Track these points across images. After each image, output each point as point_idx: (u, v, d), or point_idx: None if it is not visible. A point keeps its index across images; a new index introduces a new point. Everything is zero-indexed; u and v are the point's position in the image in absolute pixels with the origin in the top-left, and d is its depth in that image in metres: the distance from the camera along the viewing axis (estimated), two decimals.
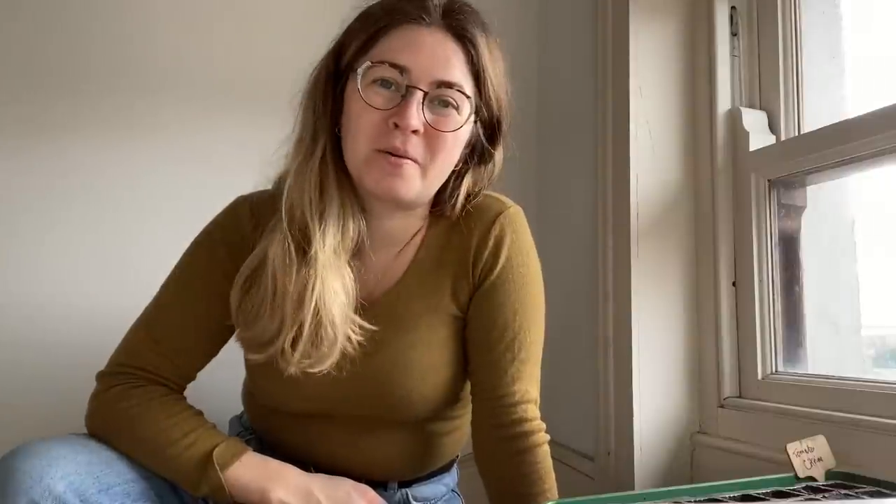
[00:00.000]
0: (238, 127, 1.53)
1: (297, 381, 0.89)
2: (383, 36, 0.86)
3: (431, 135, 0.86)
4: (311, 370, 0.87)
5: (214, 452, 0.86)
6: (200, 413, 0.92)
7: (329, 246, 0.87)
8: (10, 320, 1.39)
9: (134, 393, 0.90)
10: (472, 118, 0.89)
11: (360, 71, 0.85)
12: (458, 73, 0.87)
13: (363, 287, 0.93)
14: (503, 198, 1.00)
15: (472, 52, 0.88)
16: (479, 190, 0.98)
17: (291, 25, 1.58)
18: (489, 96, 0.90)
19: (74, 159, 1.45)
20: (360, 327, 0.89)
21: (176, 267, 0.98)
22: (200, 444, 0.86)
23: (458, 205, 0.95)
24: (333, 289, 0.86)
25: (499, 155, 0.97)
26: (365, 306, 0.91)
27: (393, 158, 0.85)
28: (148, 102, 1.50)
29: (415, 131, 0.84)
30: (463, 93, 0.87)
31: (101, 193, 1.46)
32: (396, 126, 0.84)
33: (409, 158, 0.85)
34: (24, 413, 1.34)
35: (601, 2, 1.41)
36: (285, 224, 0.87)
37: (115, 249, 1.46)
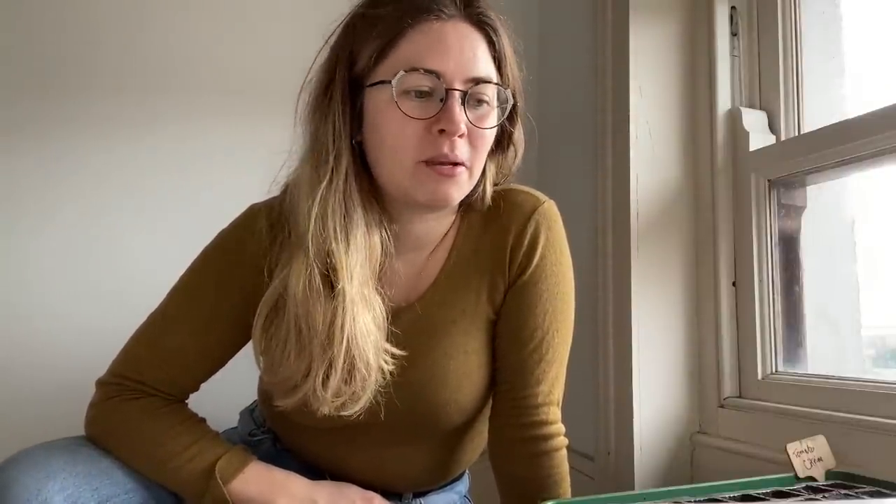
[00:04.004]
0: (241, 127, 1.54)
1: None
2: (402, 38, 0.81)
3: (475, 134, 0.82)
4: (345, 412, 0.83)
5: (217, 466, 0.84)
6: (203, 420, 0.91)
7: (357, 276, 0.82)
8: (9, 321, 1.40)
9: (133, 406, 0.88)
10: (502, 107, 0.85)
11: (394, 82, 0.79)
12: (487, 65, 0.83)
13: (393, 299, 0.89)
14: (535, 192, 0.95)
15: (494, 38, 0.84)
16: (507, 173, 0.94)
17: (295, 24, 1.58)
18: (508, 77, 0.86)
19: (73, 161, 1.45)
20: (393, 356, 0.85)
21: (185, 278, 0.92)
22: (202, 458, 0.85)
23: (488, 195, 0.91)
24: (365, 326, 0.82)
25: (518, 133, 0.92)
26: (396, 318, 0.88)
27: (444, 168, 0.81)
28: (148, 103, 1.50)
29: (461, 135, 0.80)
30: (495, 84, 0.83)
31: (100, 195, 1.46)
32: (441, 132, 0.80)
33: (459, 163, 0.81)
34: (24, 414, 1.34)
35: (601, 2, 1.41)
36: (311, 255, 0.81)
37: (115, 251, 1.46)
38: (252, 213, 0.92)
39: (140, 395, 0.89)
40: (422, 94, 0.80)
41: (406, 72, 0.80)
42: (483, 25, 0.84)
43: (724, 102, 1.30)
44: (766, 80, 1.30)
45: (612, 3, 1.38)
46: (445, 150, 0.80)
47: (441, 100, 0.80)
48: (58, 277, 1.43)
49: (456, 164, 0.81)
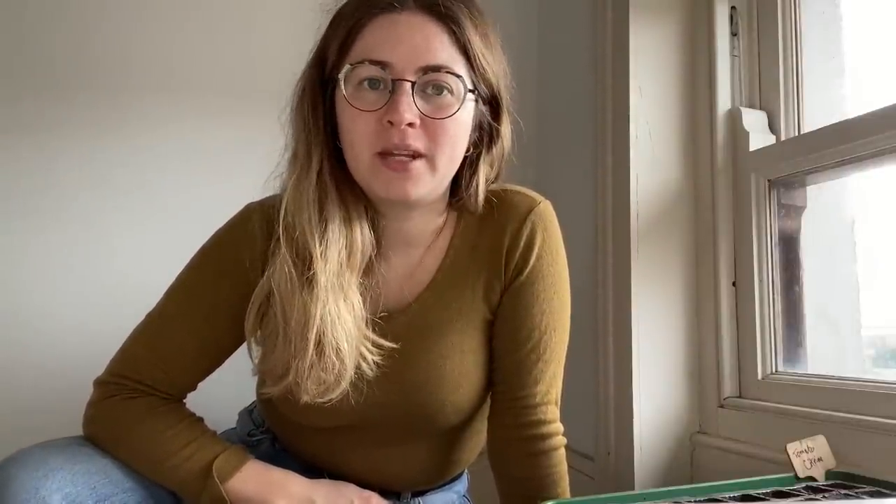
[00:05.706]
0: (238, 128, 1.53)
1: (316, 405, 0.85)
2: (359, 34, 0.81)
3: (430, 124, 0.81)
4: (322, 399, 0.84)
5: (214, 465, 0.84)
6: (200, 420, 0.91)
7: (331, 266, 0.82)
8: (8, 321, 1.39)
9: (131, 405, 0.88)
10: (472, 97, 0.84)
11: (341, 76, 0.81)
12: (444, 54, 0.81)
13: (387, 297, 0.90)
14: (531, 192, 0.95)
15: (455, 28, 0.82)
16: (498, 172, 0.93)
17: (292, 24, 1.58)
18: (483, 69, 0.84)
19: (71, 161, 1.45)
20: (379, 346, 0.86)
21: (182, 277, 0.93)
22: (199, 456, 0.85)
23: (480, 195, 0.90)
24: (337, 313, 0.82)
25: (505, 129, 0.90)
26: (391, 317, 0.89)
27: (397, 161, 0.80)
28: (146, 103, 1.50)
29: (410, 124, 0.79)
30: (453, 73, 0.81)
31: (97, 195, 1.46)
32: (391, 123, 0.79)
33: (412, 153, 0.80)
34: (23, 413, 1.34)
35: (601, 2, 1.41)
36: (283, 247, 0.83)
37: (113, 250, 1.46)
38: (248, 212, 0.93)
39: (138, 395, 0.89)
40: (371, 85, 0.80)
41: (352, 65, 0.81)
42: (442, 17, 0.81)
43: (724, 102, 1.30)
44: (766, 80, 1.29)
45: (612, 3, 1.38)
46: (395, 140, 0.79)
47: (390, 91, 0.80)
48: (56, 277, 1.43)
49: (411, 156, 0.81)
